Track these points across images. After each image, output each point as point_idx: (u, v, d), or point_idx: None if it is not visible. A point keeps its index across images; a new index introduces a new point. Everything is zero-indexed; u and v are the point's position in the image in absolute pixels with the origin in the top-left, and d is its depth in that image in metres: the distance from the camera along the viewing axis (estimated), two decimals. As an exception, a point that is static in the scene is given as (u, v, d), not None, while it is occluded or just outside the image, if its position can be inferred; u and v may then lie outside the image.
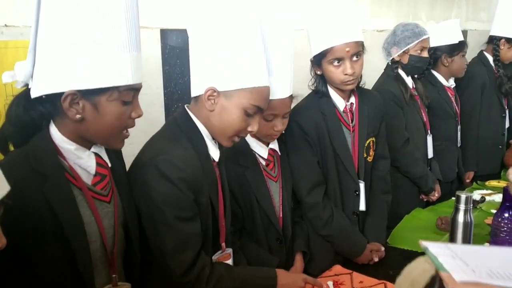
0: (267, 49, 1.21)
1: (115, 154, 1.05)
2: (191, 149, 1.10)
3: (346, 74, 1.50)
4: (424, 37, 2.05)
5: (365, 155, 1.68)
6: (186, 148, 1.09)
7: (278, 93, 1.33)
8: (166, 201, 1.03)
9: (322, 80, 1.61)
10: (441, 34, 2.35)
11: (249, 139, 1.48)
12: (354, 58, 1.50)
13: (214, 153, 1.18)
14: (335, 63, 1.51)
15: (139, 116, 0.96)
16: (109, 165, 0.99)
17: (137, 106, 0.95)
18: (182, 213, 1.05)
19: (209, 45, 1.08)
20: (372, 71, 2.13)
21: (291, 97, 1.42)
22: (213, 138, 1.18)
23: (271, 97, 1.24)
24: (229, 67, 1.07)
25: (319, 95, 1.62)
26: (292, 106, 1.48)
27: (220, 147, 1.21)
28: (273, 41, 1.27)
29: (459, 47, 2.36)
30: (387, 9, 3.26)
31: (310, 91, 1.66)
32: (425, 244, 0.54)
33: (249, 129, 1.15)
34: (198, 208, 1.10)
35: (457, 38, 2.36)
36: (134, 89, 0.93)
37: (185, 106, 1.18)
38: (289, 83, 1.37)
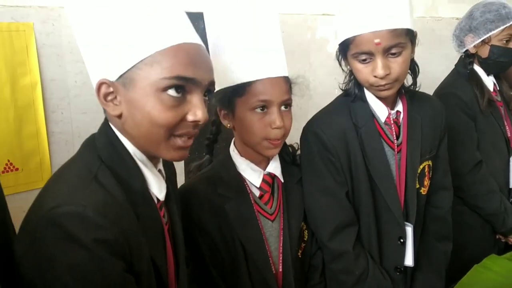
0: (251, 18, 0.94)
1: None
2: (115, 188, 0.67)
3: (375, 76, 1.03)
4: None
5: (417, 186, 1.18)
6: (106, 189, 0.66)
7: (267, 70, 0.97)
8: (79, 279, 0.59)
9: (355, 78, 1.13)
10: None
11: (237, 158, 1.05)
12: (391, 54, 1.01)
13: (157, 187, 0.75)
14: (362, 58, 1.03)
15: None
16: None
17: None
18: None
19: (86, 27, 0.70)
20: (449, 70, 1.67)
21: (288, 81, 1.01)
22: (155, 165, 0.76)
23: (258, 77, 0.94)
24: (110, 39, 0.67)
25: (350, 98, 1.15)
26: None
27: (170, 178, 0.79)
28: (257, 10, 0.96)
29: None
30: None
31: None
32: None
33: (190, 117, 0.70)
34: (137, 281, 0.65)
35: None
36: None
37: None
38: (282, 60, 0.99)
